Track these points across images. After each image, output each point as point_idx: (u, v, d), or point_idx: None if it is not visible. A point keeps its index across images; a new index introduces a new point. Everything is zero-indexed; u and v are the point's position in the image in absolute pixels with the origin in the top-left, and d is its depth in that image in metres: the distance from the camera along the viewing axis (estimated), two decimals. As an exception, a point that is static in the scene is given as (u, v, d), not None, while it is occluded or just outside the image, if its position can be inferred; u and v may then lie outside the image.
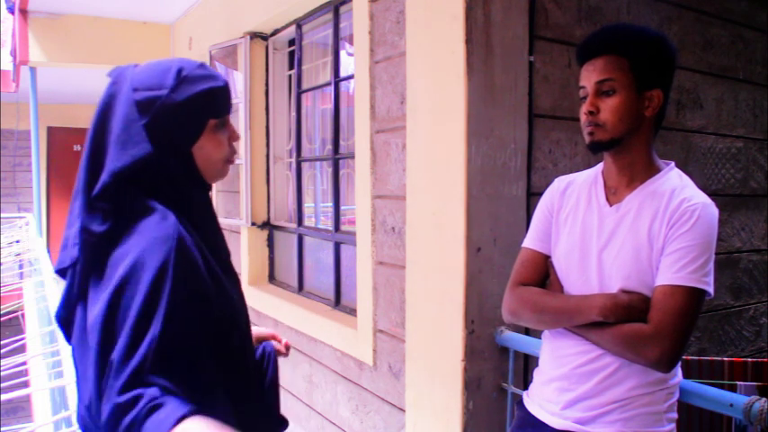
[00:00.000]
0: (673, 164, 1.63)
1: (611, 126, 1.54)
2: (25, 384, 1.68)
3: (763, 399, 1.59)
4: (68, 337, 1.25)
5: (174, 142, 1.23)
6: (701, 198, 1.52)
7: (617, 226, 1.58)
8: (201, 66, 1.27)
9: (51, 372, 1.70)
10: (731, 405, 1.63)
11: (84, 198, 1.18)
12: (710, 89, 3.12)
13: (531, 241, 1.75)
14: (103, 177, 1.17)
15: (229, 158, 1.35)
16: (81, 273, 1.19)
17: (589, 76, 1.57)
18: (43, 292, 2.70)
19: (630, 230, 1.55)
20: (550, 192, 1.76)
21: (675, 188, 1.55)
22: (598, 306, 1.51)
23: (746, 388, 2.19)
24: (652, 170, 1.60)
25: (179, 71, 1.23)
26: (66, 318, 1.25)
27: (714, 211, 1.52)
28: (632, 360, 1.50)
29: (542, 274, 1.71)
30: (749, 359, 2.43)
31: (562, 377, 1.63)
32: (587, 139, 1.58)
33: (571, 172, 1.82)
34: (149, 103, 1.20)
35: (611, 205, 1.61)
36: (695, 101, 3.05)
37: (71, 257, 1.20)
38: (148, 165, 1.19)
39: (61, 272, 1.24)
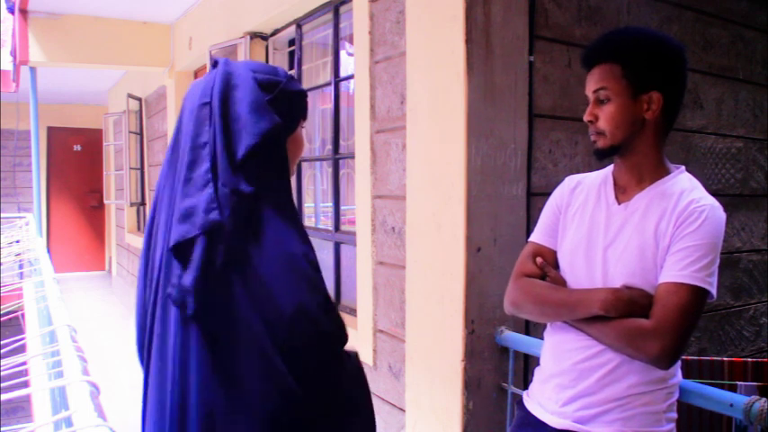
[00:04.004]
0: (683, 167, 1.64)
1: (609, 134, 1.58)
2: (25, 384, 1.68)
3: (764, 399, 1.59)
4: (197, 312, 1.19)
5: (286, 124, 1.33)
6: (710, 200, 1.53)
7: (624, 224, 1.58)
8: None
9: (51, 372, 1.69)
10: (731, 405, 1.63)
11: (225, 162, 1.21)
12: (710, 89, 3.12)
13: (537, 235, 1.77)
14: (248, 140, 1.22)
15: (298, 161, 1.46)
16: (231, 238, 1.19)
17: (588, 86, 1.62)
18: (43, 292, 2.69)
19: (637, 229, 1.56)
20: (561, 189, 1.78)
21: (685, 190, 1.56)
22: (600, 299, 1.52)
23: (746, 388, 2.19)
24: (661, 172, 1.61)
25: (284, 70, 1.37)
26: (204, 292, 1.18)
27: (722, 214, 1.53)
28: (632, 355, 1.51)
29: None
30: (749, 359, 2.43)
31: (562, 373, 1.63)
32: (592, 146, 1.63)
33: (571, 172, 1.83)
34: (271, 85, 1.31)
35: (619, 204, 1.62)
36: (695, 101, 3.05)
37: (203, 223, 1.18)
38: (275, 139, 1.27)
39: (180, 246, 1.19)
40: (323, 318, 1.24)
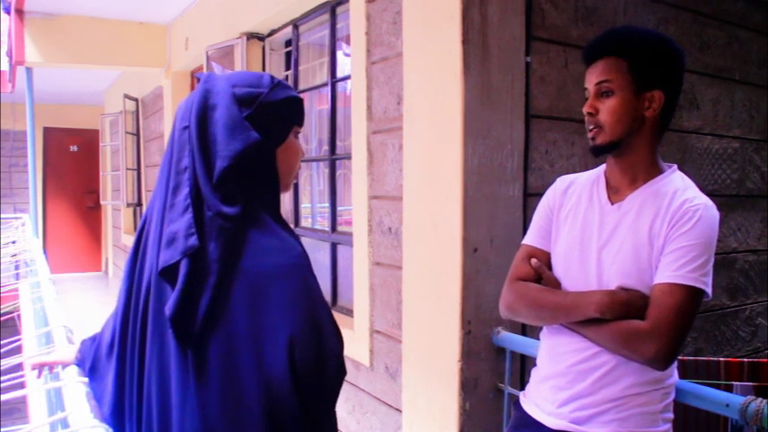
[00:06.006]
0: (675, 166, 1.64)
1: (609, 128, 1.56)
2: (21, 385, 1.68)
3: (759, 399, 1.59)
4: (186, 336, 1.19)
5: (270, 138, 1.29)
6: (703, 200, 1.53)
7: (618, 224, 1.58)
8: (284, 80, 1.38)
9: (47, 373, 1.69)
10: (727, 405, 1.64)
11: (207, 186, 1.22)
12: (707, 90, 3.13)
13: (531, 238, 1.76)
14: (220, 163, 1.22)
15: (297, 171, 1.42)
16: (220, 259, 1.18)
17: (590, 78, 1.60)
18: (39, 293, 2.69)
19: (631, 229, 1.55)
20: (552, 190, 1.77)
21: (678, 189, 1.56)
22: (595, 302, 1.51)
23: (742, 388, 2.19)
24: (654, 171, 1.60)
25: (272, 77, 1.33)
26: (185, 316, 1.18)
27: (715, 213, 1.53)
28: (628, 357, 1.50)
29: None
30: (745, 359, 2.43)
31: (558, 374, 1.63)
32: (590, 142, 1.61)
33: (567, 172, 1.82)
34: (250, 98, 1.27)
35: (612, 204, 1.61)
36: (692, 101, 3.06)
37: (184, 248, 1.18)
38: (256, 154, 1.25)
39: (168, 270, 1.20)
40: (329, 332, 1.22)
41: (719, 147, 3.20)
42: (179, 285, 1.17)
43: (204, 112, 1.26)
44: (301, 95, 4.18)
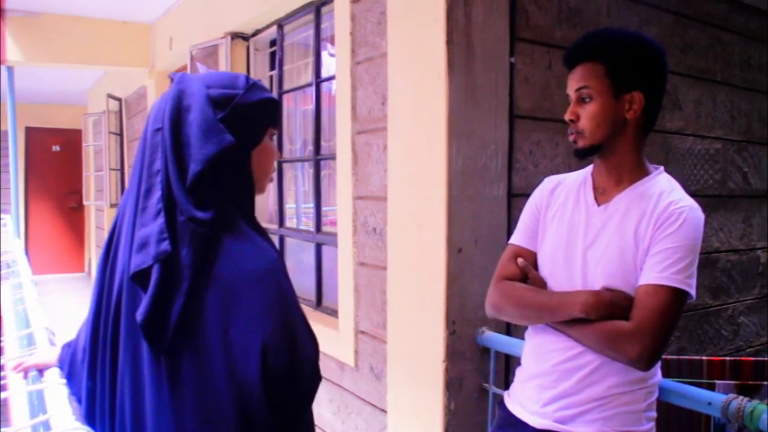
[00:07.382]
0: (662, 168, 1.65)
1: (589, 133, 1.57)
2: (2, 388, 1.66)
3: (741, 397, 1.61)
4: (158, 342, 1.16)
5: (244, 140, 1.27)
6: (689, 202, 1.54)
7: (604, 225, 1.59)
8: (260, 81, 1.34)
9: (30, 374, 1.67)
10: (709, 403, 1.65)
11: (180, 189, 1.19)
12: (689, 91, 3.15)
13: (517, 238, 1.76)
14: (194, 167, 1.19)
15: (272, 173, 1.40)
16: (192, 264, 1.16)
17: (570, 85, 1.62)
18: (21, 295, 2.66)
19: (617, 230, 1.56)
20: (540, 190, 1.77)
21: (664, 191, 1.57)
22: (580, 302, 1.52)
23: (725, 386, 2.21)
24: (641, 172, 1.61)
25: (248, 78, 1.31)
26: (157, 321, 1.15)
27: (700, 215, 1.54)
28: (612, 357, 1.51)
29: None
30: (727, 358, 2.45)
31: (543, 374, 1.64)
32: (572, 146, 1.62)
33: (551, 173, 1.83)
34: (225, 100, 1.24)
35: (599, 205, 1.62)
36: (674, 102, 3.08)
37: (155, 253, 1.15)
38: (230, 156, 1.22)
39: (140, 275, 1.17)
40: (303, 337, 1.21)
41: (702, 147, 3.23)
42: (150, 291, 1.15)
43: (178, 113, 1.23)
44: (286, 96, 4.19)
